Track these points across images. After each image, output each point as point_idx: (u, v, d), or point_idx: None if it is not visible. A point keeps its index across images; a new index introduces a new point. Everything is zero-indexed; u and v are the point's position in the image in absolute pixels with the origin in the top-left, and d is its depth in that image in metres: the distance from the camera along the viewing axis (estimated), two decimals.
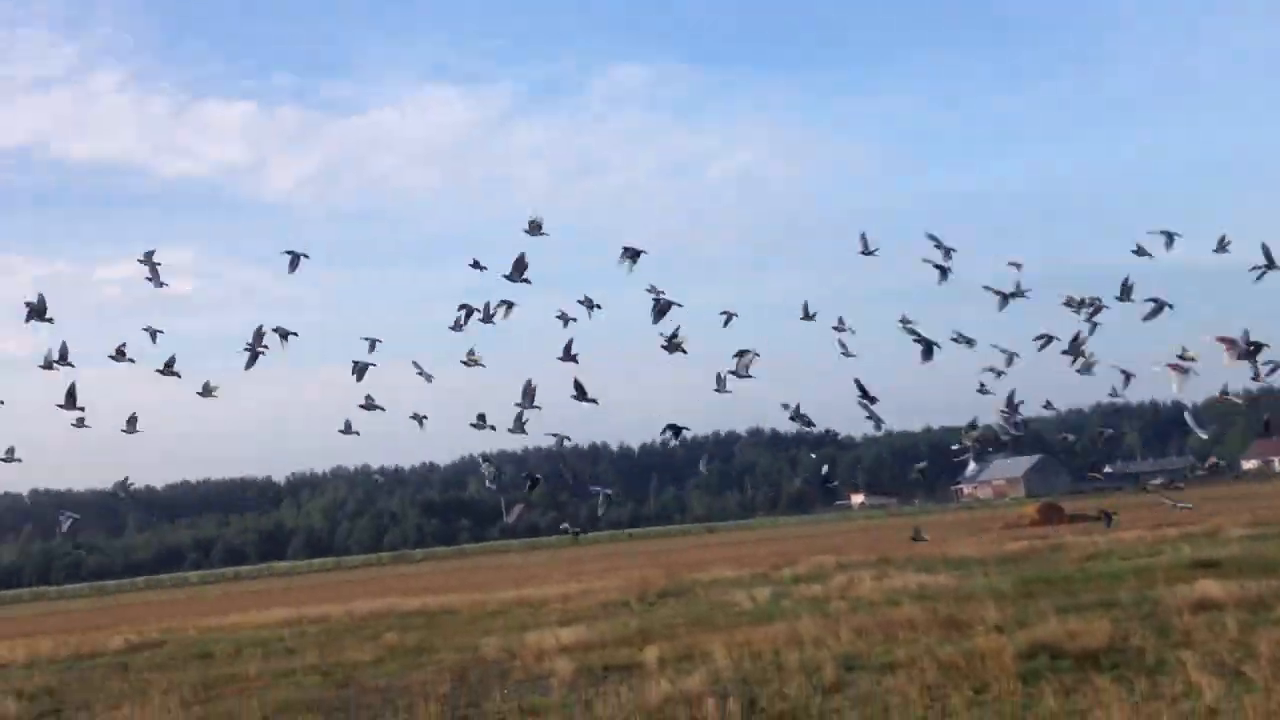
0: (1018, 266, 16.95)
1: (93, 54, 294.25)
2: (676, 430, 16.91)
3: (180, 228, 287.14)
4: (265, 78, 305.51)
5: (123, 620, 53.24)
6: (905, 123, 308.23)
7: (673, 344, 16.18)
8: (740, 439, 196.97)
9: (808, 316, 17.11)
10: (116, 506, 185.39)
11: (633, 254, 15.91)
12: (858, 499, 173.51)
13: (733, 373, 16.26)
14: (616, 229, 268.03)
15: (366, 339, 16.25)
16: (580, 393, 15.91)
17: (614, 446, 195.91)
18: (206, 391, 15.25)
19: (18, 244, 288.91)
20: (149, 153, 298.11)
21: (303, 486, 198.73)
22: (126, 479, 16.62)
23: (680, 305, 16.16)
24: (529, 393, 15.81)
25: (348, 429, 16.16)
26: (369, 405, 16.22)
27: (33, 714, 22.96)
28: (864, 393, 16.85)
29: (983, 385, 16.89)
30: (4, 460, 14.45)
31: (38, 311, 14.18)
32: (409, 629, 33.55)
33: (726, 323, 16.74)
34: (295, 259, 15.78)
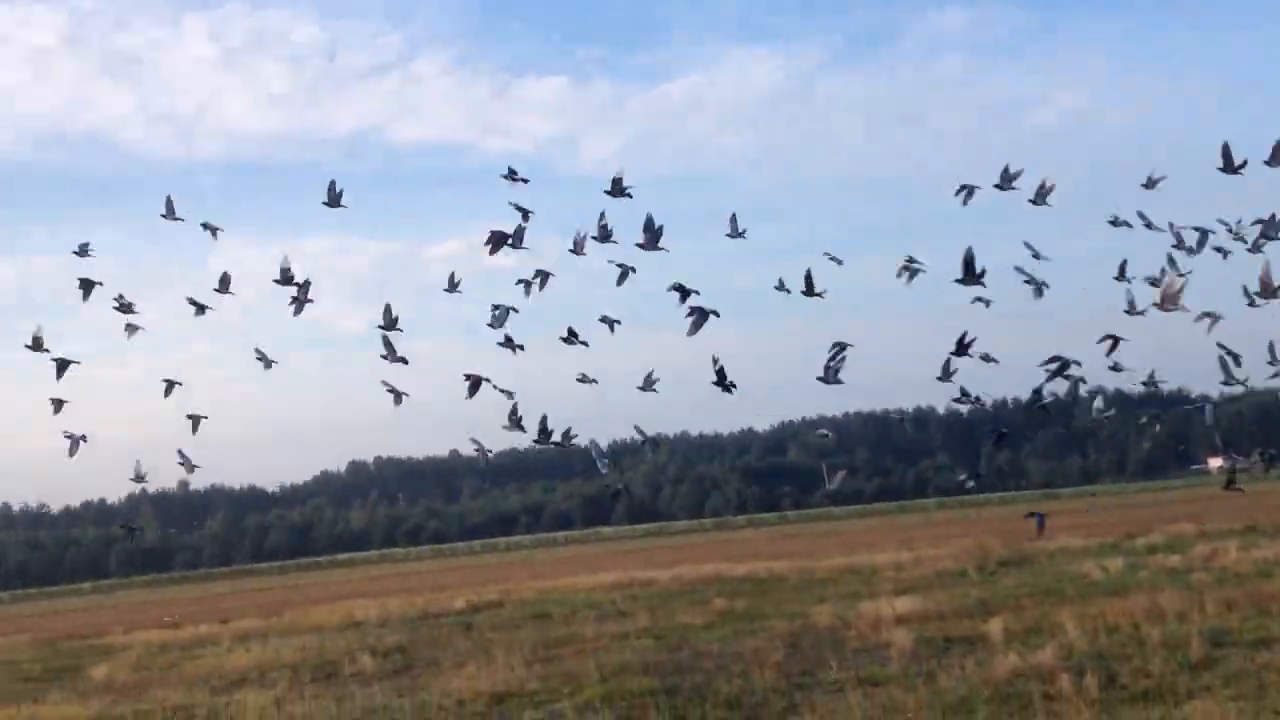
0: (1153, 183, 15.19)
1: (418, 41, 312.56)
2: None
3: (503, 204, 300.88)
4: (576, 52, 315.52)
5: (463, 582, 56.69)
6: (1249, 59, 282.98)
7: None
8: (1080, 400, 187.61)
9: (971, 274, 15.30)
10: (453, 473, 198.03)
11: (619, 189, 15.53)
12: (1215, 463, 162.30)
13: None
14: (936, 179, 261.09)
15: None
16: (571, 337, 15.37)
17: (940, 410, 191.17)
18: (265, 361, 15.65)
19: (357, 226, 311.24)
20: (472, 132, 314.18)
21: (624, 453, 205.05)
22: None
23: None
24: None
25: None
26: (646, 385, 16.11)
27: (387, 669, 24.82)
28: (960, 346, 15.33)
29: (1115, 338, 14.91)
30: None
31: (88, 285, 15.18)
32: (737, 595, 34.05)
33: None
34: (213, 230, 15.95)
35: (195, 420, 15.35)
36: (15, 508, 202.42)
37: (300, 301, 15.00)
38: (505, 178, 15.46)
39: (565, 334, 15.24)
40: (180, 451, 15.47)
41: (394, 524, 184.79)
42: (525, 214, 15.35)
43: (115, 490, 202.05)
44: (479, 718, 17.69)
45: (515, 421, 15.20)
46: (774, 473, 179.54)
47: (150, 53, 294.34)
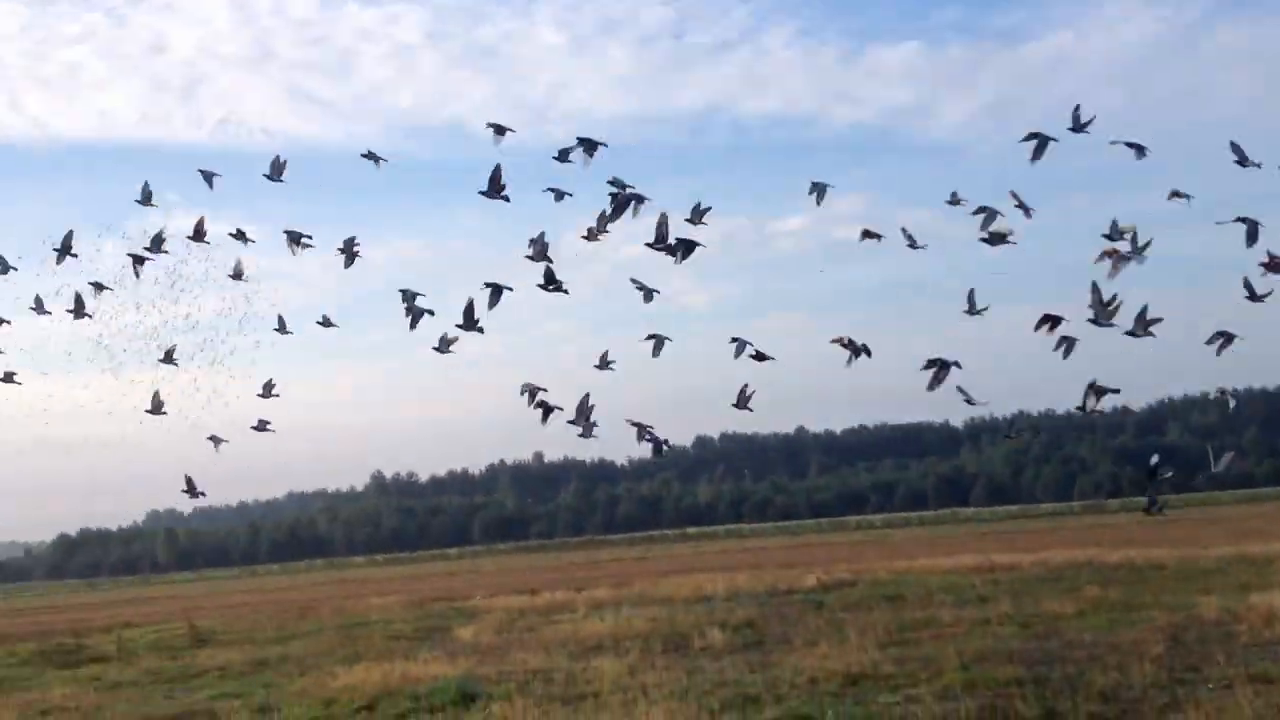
0: None
1: (765, 13, 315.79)
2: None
3: (851, 175, 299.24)
4: (930, 15, 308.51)
5: (811, 559, 56.90)
6: None
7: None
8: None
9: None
10: (800, 449, 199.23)
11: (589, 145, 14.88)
12: None
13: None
14: None
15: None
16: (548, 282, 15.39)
17: None
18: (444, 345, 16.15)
19: (703, 201, 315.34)
20: (820, 103, 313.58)
21: (982, 431, 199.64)
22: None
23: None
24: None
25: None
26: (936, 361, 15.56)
27: (737, 644, 25.24)
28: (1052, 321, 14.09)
29: None
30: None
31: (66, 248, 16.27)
32: (1110, 583, 32.53)
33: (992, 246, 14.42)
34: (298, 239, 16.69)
35: (265, 423, 17.02)
36: (388, 476, 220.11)
37: (349, 255, 16.07)
38: (491, 127, 15.82)
39: (543, 280, 15.68)
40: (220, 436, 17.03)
41: (740, 499, 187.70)
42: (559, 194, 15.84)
43: (477, 461, 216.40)
44: (832, 698, 17.69)
45: (530, 392, 15.79)
46: (1151, 453, 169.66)
47: (504, 44, 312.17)
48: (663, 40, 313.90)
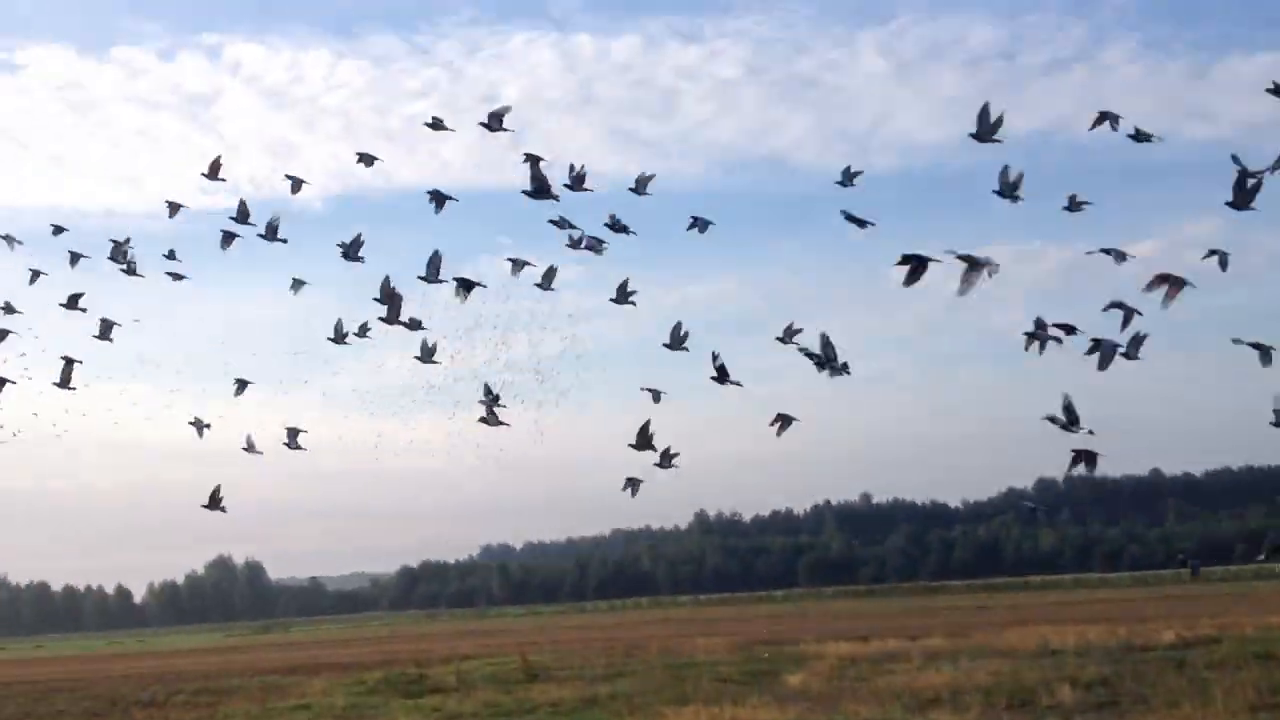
0: None
1: (1104, 28, 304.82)
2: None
3: (1203, 197, 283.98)
4: None
5: (1170, 613, 53.78)
6: None
7: None
8: None
9: None
10: (1156, 493, 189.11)
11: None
12: None
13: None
14: None
15: None
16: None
17: None
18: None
19: (1038, 229, 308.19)
20: (1168, 121, 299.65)
21: None
22: None
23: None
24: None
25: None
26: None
27: (1089, 702, 24.17)
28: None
29: None
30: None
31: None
32: None
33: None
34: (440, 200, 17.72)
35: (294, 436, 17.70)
36: (711, 515, 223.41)
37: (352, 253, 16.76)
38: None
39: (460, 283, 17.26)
40: None
41: (1087, 546, 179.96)
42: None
43: (801, 501, 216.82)
44: None
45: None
46: None
47: (825, 74, 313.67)
48: (992, 61, 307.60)
